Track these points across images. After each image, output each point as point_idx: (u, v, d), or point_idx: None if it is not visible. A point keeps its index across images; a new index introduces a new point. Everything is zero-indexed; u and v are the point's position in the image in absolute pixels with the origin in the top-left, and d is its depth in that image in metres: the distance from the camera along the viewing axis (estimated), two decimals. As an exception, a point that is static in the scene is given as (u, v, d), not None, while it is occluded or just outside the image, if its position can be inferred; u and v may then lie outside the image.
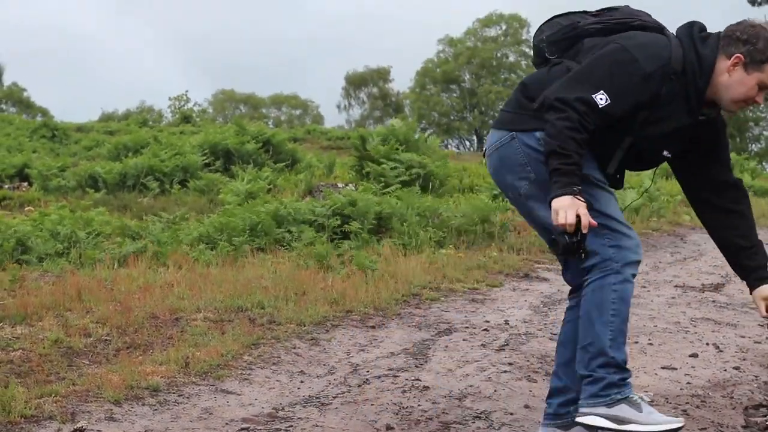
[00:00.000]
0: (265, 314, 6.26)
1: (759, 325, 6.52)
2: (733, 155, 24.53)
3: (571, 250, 3.45)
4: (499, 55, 72.92)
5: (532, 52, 4.11)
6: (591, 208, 3.47)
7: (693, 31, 3.68)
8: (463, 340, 5.90)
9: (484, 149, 3.99)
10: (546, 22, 3.95)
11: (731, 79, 3.62)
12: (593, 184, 3.64)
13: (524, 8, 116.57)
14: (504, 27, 73.20)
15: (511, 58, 73.34)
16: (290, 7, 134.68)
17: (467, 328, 6.26)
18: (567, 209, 3.38)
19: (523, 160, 3.74)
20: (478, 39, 73.19)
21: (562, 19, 3.90)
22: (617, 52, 3.58)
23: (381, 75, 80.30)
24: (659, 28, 3.76)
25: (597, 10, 3.90)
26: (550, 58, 3.86)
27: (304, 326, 6.01)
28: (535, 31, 3.97)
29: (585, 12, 3.91)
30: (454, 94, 73.73)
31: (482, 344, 5.79)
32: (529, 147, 3.72)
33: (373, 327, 6.19)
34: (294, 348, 5.51)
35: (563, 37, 3.83)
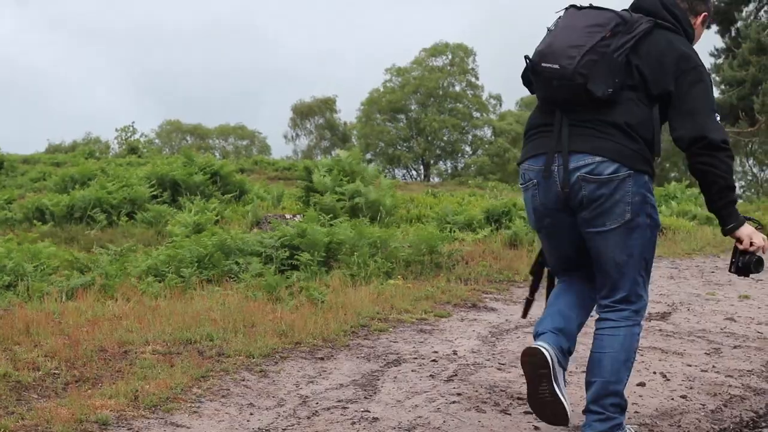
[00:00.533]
0: (214, 346, 6.25)
1: (705, 353, 6.63)
2: (674, 184, 24.85)
3: (748, 269, 4.18)
4: (445, 84, 73.35)
5: (550, 83, 4.04)
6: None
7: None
8: (412, 371, 5.93)
9: (570, 168, 4.07)
10: (556, 54, 3.98)
11: (698, 33, 4.39)
12: None
13: (469, 38, 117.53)
14: (450, 56, 73.69)
15: (457, 88, 73.83)
16: (241, 39, 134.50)
17: (416, 358, 6.29)
18: (754, 234, 4.11)
19: (635, 198, 4.04)
20: (425, 68, 73.62)
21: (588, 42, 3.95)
22: (706, 75, 4.08)
23: (328, 105, 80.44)
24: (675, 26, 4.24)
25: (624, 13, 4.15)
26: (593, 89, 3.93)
27: (253, 358, 6.01)
28: (550, 66, 3.97)
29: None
30: (401, 123, 74.03)
31: (431, 375, 5.83)
32: (642, 187, 4.05)
33: (322, 358, 6.20)
34: (243, 380, 5.51)
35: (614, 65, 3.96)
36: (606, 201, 4.00)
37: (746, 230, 4.10)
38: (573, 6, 4.17)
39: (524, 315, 4.84)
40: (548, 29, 4.14)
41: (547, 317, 4.33)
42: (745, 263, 4.17)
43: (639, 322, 4.21)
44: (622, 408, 4.11)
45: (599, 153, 3.98)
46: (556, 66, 3.93)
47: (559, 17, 4.16)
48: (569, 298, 4.40)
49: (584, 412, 4.19)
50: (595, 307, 4.35)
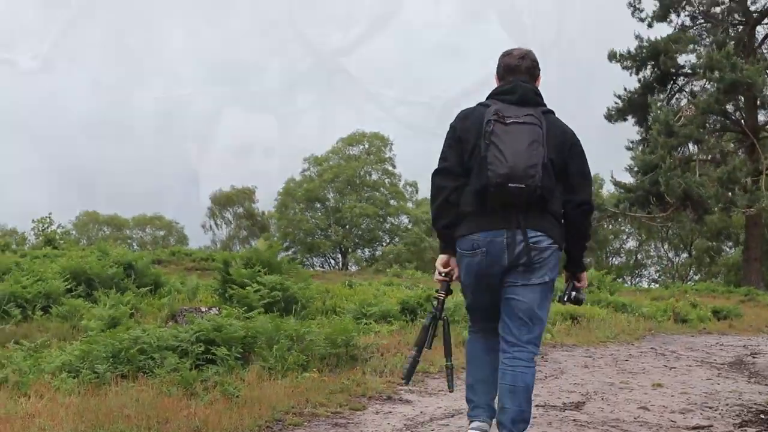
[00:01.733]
0: (128, 445, 6.24)
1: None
2: (592, 272, 25.24)
3: (579, 300, 5.82)
4: (362, 173, 73.91)
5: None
6: None
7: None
8: (326, 465, 5.97)
9: (521, 240, 5.36)
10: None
11: None
12: None
13: (385, 128, 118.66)
14: (367, 145, 74.41)
15: (374, 176, 74.42)
16: (159, 130, 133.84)
17: (330, 453, 6.33)
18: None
19: (553, 266, 5.46)
20: (342, 157, 74.17)
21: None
22: (581, 145, 5.51)
23: (246, 195, 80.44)
24: None
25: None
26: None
27: (168, 456, 6.02)
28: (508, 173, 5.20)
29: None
30: (319, 212, 74.26)
31: (344, 469, 5.88)
32: (557, 258, 5.50)
33: (236, 454, 6.22)
34: (157, 478, 5.52)
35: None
36: (539, 264, 5.31)
37: (586, 273, 5.89)
38: (499, 122, 5.22)
39: (407, 379, 5.87)
40: (490, 142, 5.18)
41: (480, 388, 5.79)
42: (577, 297, 5.78)
43: (534, 363, 5.45)
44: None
45: (543, 231, 5.30)
46: (523, 186, 5.08)
47: (493, 128, 5.20)
48: (491, 360, 5.69)
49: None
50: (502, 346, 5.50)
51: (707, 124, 43.55)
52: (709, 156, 43.68)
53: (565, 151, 5.31)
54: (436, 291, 5.85)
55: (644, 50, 45.96)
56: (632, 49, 46.43)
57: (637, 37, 46.48)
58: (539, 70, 5.63)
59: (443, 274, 5.69)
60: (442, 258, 5.68)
